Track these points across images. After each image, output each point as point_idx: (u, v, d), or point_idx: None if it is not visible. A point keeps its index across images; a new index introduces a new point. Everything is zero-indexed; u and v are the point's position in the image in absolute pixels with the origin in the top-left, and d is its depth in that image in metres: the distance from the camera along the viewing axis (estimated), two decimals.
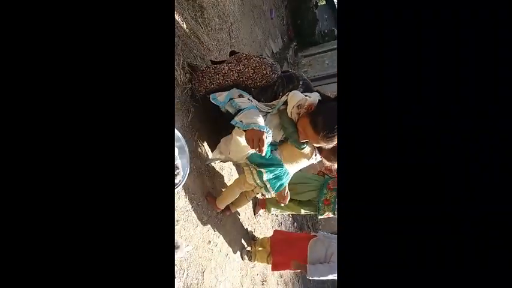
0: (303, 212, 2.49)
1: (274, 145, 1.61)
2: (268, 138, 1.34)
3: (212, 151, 1.78)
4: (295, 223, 3.44)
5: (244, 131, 1.38)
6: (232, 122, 1.43)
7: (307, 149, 1.61)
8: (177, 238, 1.47)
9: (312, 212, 2.47)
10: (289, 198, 1.79)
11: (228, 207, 1.94)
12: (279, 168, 1.59)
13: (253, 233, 2.40)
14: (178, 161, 1.44)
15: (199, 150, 1.83)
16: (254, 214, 2.51)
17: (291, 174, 1.70)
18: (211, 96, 1.60)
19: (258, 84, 1.64)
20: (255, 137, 1.32)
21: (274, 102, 1.63)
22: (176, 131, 1.46)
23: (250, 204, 2.39)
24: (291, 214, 3.15)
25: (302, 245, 2.17)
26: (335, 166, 1.72)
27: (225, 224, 1.99)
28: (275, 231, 2.53)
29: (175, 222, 1.51)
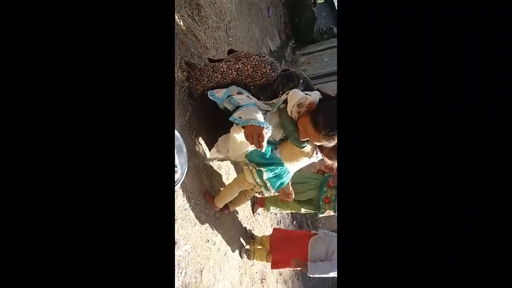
0: (303, 210, 2.48)
1: (274, 144, 1.60)
2: (267, 134, 1.32)
3: (210, 150, 1.77)
4: (295, 221, 3.45)
5: (243, 127, 1.36)
6: (231, 119, 1.41)
7: (307, 148, 1.60)
8: (176, 236, 1.47)
9: (313, 211, 2.47)
10: (293, 196, 1.78)
11: (226, 206, 1.94)
12: (279, 167, 1.59)
13: (252, 232, 2.40)
14: (176, 160, 1.43)
15: (197, 148, 1.83)
16: (253, 213, 2.51)
17: (292, 173, 1.69)
18: (209, 92, 1.58)
19: (258, 82, 1.63)
20: (254, 133, 1.30)
21: (274, 100, 1.61)
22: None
23: (248, 202, 2.39)
24: (290, 212, 3.15)
25: (302, 243, 2.17)
26: (336, 164, 1.72)
27: (223, 222, 1.99)
28: (274, 229, 2.53)
29: None
